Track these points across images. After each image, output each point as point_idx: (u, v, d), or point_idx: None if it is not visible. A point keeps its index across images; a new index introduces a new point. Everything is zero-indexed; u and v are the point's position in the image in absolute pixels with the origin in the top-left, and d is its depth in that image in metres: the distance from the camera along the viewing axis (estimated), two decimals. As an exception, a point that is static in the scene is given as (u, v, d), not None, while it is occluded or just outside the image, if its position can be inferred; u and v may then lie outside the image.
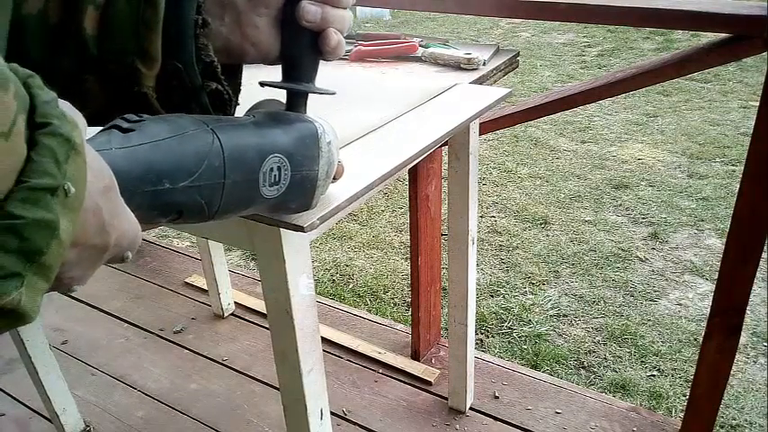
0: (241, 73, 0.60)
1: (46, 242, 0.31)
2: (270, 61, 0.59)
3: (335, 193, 0.72)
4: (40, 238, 0.30)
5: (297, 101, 0.61)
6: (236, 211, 0.55)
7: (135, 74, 0.49)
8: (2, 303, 0.29)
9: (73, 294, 2.07)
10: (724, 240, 1.18)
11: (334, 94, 0.63)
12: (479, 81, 1.12)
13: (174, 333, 1.89)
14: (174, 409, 1.62)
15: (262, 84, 0.62)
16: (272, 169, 0.54)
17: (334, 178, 0.64)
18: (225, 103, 0.56)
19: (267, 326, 0.96)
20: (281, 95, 0.61)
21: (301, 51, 0.58)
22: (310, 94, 0.61)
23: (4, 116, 0.28)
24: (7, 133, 0.28)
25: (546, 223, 2.78)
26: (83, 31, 0.46)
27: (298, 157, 0.56)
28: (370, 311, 2.12)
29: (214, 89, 0.54)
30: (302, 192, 0.59)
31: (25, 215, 0.30)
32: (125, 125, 0.45)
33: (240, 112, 0.59)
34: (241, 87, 0.60)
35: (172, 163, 0.46)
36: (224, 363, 1.77)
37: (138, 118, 0.46)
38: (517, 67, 1.26)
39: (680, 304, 2.22)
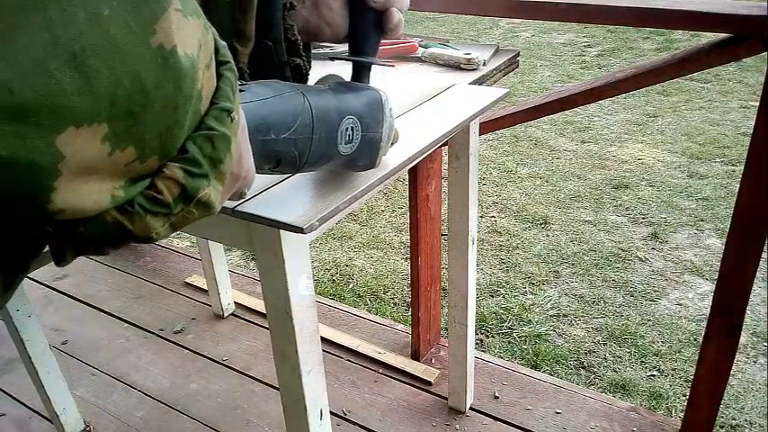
0: (311, 50, 0.68)
1: (224, 153, 0.39)
2: (340, 40, 0.68)
3: (335, 192, 0.73)
4: (222, 148, 0.39)
5: (362, 72, 0.70)
6: (318, 165, 0.63)
7: (232, 52, 0.57)
8: (199, 195, 0.38)
9: (73, 294, 2.07)
10: (724, 240, 1.18)
11: (393, 66, 0.76)
12: (479, 81, 1.12)
13: (174, 333, 1.89)
14: (173, 409, 1.62)
15: (332, 58, 0.74)
16: (347, 129, 0.62)
17: (392, 142, 0.72)
18: (303, 77, 0.65)
19: (267, 326, 0.96)
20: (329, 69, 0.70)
21: (367, 29, 0.67)
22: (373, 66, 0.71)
23: (207, 52, 0.37)
24: (209, 65, 0.37)
25: (546, 223, 2.78)
26: None
27: (367, 119, 0.65)
28: (370, 311, 2.12)
29: (296, 64, 0.63)
30: (369, 151, 0.67)
31: (218, 128, 0.38)
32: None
33: None
34: (311, 63, 0.69)
35: (276, 117, 0.55)
36: (224, 363, 1.77)
37: (243, 82, 0.54)
38: (517, 67, 1.26)
39: (680, 304, 2.21)
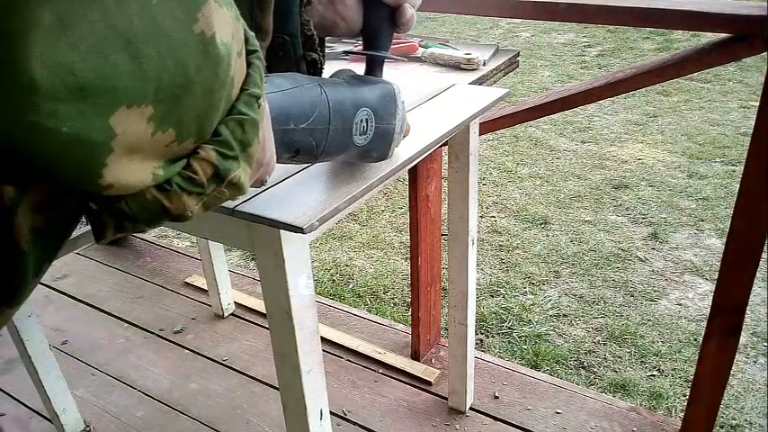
0: (325, 45, 0.71)
1: (253, 137, 0.41)
2: (354, 34, 0.70)
3: (335, 192, 0.73)
4: (251, 133, 0.41)
5: (375, 66, 0.72)
6: (334, 155, 0.65)
7: None
8: (230, 177, 0.40)
9: (73, 294, 2.07)
10: (724, 240, 1.18)
11: (406, 60, 0.81)
12: (479, 81, 1.12)
13: (174, 333, 1.89)
14: (174, 409, 1.62)
15: (346, 53, 0.80)
16: (362, 120, 0.65)
17: (404, 135, 0.74)
18: (317, 71, 0.68)
19: (267, 326, 0.96)
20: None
21: (380, 24, 0.69)
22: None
23: (239, 41, 0.39)
24: (240, 53, 0.39)
25: (546, 223, 2.78)
26: None
27: (380, 111, 0.67)
28: (370, 311, 2.12)
29: (312, 59, 0.66)
30: (383, 143, 0.69)
31: (248, 113, 0.40)
32: None
33: None
34: (325, 57, 0.71)
35: (295, 108, 0.58)
36: (224, 363, 1.77)
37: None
38: (517, 67, 1.26)
39: (680, 304, 2.21)
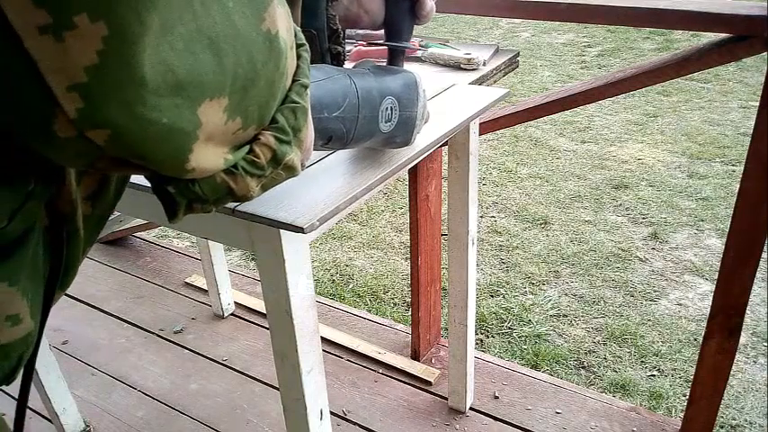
0: (346, 38, 0.75)
1: (303, 123, 0.45)
2: (376, 26, 0.75)
3: (335, 192, 0.73)
4: (302, 119, 0.44)
5: (397, 56, 0.77)
6: (362, 141, 0.69)
7: None
8: (286, 160, 0.44)
9: (73, 294, 2.07)
10: (724, 240, 1.18)
11: (423, 50, 0.87)
12: (479, 81, 1.12)
13: (174, 333, 1.89)
14: (173, 409, 1.62)
15: (369, 43, 0.87)
16: (387, 108, 0.68)
17: (425, 121, 0.77)
18: (341, 63, 0.72)
19: (267, 326, 0.96)
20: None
21: (401, 16, 0.73)
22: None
23: (291, 35, 0.42)
24: (292, 46, 0.42)
25: (546, 223, 2.78)
26: None
27: (404, 99, 0.71)
28: (370, 311, 2.12)
29: (337, 51, 0.70)
30: (406, 129, 0.73)
31: (299, 101, 0.44)
32: None
33: None
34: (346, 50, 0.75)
35: (328, 97, 0.61)
36: (224, 363, 1.77)
37: None
38: (517, 67, 1.26)
39: (680, 304, 2.21)
